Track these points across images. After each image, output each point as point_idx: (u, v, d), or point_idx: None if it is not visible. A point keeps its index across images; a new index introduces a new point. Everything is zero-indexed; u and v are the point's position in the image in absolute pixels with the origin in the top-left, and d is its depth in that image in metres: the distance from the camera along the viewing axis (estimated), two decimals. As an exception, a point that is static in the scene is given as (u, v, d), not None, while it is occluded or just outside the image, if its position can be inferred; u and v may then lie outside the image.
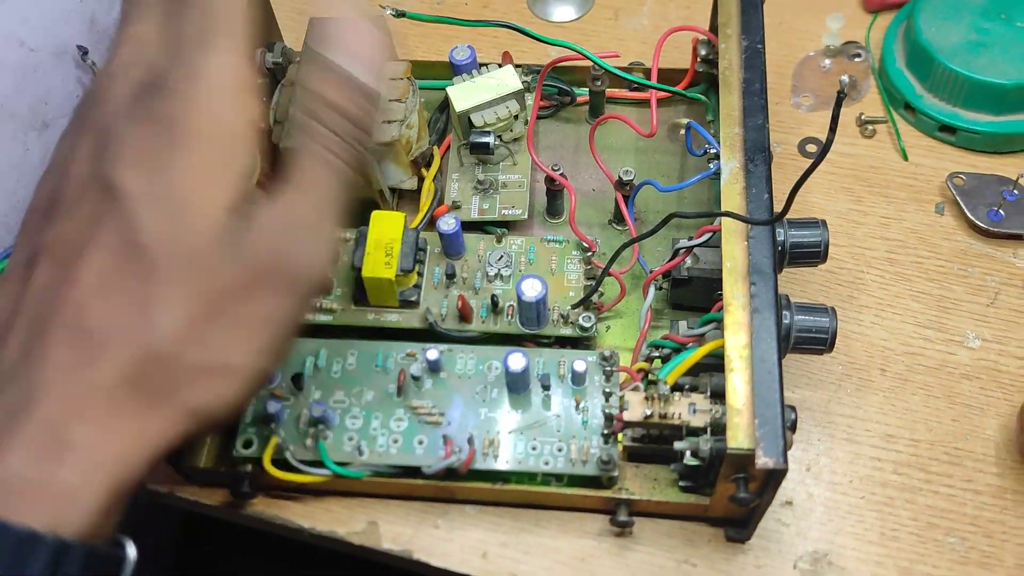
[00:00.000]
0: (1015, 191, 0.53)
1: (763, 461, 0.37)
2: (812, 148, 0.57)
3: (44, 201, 0.35)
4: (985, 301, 0.51)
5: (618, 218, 0.54)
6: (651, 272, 0.48)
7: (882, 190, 0.56)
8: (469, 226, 0.53)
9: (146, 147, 0.33)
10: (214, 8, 0.35)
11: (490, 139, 0.53)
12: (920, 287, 0.52)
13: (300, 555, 0.74)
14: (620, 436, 0.45)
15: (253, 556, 0.86)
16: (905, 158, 0.57)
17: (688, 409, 0.42)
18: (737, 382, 0.39)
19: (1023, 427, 0.45)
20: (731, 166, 0.44)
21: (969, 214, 0.53)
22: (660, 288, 0.50)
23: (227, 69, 0.34)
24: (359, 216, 0.50)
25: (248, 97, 0.35)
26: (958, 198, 0.53)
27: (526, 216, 0.53)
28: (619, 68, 0.55)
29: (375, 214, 0.50)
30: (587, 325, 0.49)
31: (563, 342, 0.50)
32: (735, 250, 0.42)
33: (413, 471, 0.46)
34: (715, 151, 0.46)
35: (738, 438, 0.38)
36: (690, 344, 0.45)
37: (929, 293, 0.52)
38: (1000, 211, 0.53)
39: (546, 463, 0.45)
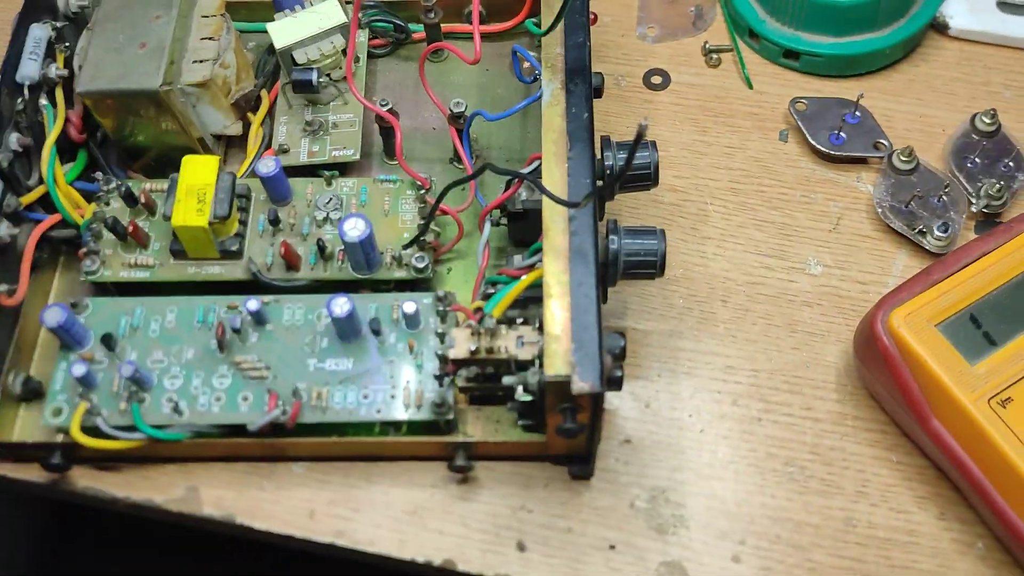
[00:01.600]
0: (856, 113, 0.53)
1: (580, 386, 0.36)
2: (657, 80, 0.56)
3: None
4: (827, 227, 0.51)
5: (458, 156, 0.51)
6: (486, 206, 0.46)
7: (727, 119, 0.54)
8: (301, 170, 0.51)
9: None
10: None
11: (313, 76, 0.50)
12: (763, 216, 0.51)
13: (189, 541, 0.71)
14: (456, 378, 0.43)
15: (136, 547, 0.82)
16: (750, 86, 0.56)
17: (516, 342, 0.40)
18: (555, 308, 0.37)
19: (859, 349, 0.44)
20: (552, 87, 0.42)
21: (811, 139, 0.52)
22: (498, 224, 0.48)
23: None
24: (179, 167, 0.47)
25: None
26: (800, 123, 0.53)
27: (358, 157, 0.50)
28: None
29: (186, 159, 0.46)
30: (420, 266, 0.46)
31: (403, 286, 0.47)
32: (555, 175, 0.40)
33: (238, 430, 0.43)
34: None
35: (556, 365, 0.36)
36: (522, 276, 0.43)
37: (772, 221, 0.51)
38: (841, 134, 0.52)
39: (379, 411, 0.43)
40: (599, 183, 0.42)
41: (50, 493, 0.45)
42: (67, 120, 0.49)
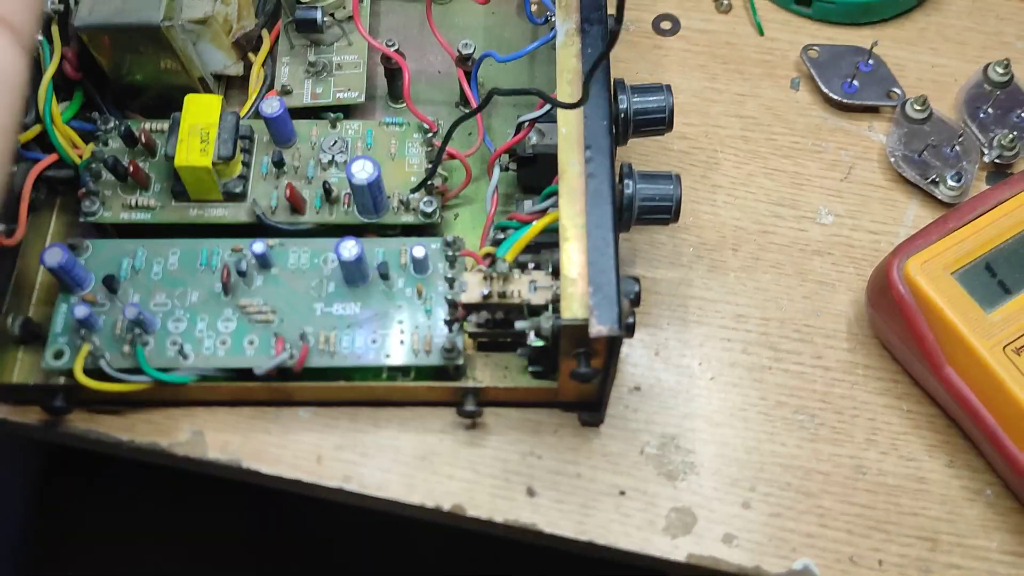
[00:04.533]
0: (870, 61, 0.52)
1: (598, 329, 0.35)
2: (667, 25, 0.55)
3: None
4: (839, 176, 0.50)
5: (465, 99, 0.50)
6: (495, 151, 0.45)
7: (737, 66, 0.54)
8: (304, 112, 0.49)
9: None
10: None
11: (318, 15, 0.48)
12: (774, 164, 0.50)
13: (192, 486, 0.71)
14: (466, 324, 0.42)
15: (133, 487, 0.82)
16: (761, 33, 0.55)
17: (529, 287, 0.39)
18: (572, 252, 0.37)
19: (873, 297, 0.44)
20: (566, 27, 0.41)
21: (823, 87, 0.51)
22: (507, 169, 0.47)
23: None
24: (179, 107, 0.46)
25: None
26: (812, 71, 0.52)
27: (363, 99, 0.49)
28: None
29: (188, 97, 0.45)
30: (429, 210, 0.45)
31: (409, 231, 0.47)
32: (569, 116, 0.39)
33: (244, 374, 0.42)
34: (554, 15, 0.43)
35: (572, 308, 0.36)
36: (534, 220, 0.42)
37: (783, 170, 0.50)
38: (854, 82, 0.51)
39: (387, 356, 0.42)
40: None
41: (51, 437, 0.44)
42: (63, 57, 0.47)
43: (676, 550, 0.41)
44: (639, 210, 0.41)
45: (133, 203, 0.46)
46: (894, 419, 0.44)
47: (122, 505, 0.84)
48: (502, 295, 0.40)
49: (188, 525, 0.84)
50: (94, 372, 0.41)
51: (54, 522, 0.83)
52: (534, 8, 0.49)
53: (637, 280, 0.39)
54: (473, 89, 0.48)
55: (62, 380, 0.43)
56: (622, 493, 0.42)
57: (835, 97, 0.51)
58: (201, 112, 0.45)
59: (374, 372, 0.43)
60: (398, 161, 0.47)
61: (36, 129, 0.46)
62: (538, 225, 0.40)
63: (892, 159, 0.49)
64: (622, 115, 0.42)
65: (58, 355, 0.42)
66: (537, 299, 0.39)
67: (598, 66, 0.33)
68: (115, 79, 0.48)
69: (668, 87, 0.43)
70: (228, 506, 0.81)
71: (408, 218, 0.46)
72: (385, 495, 0.42)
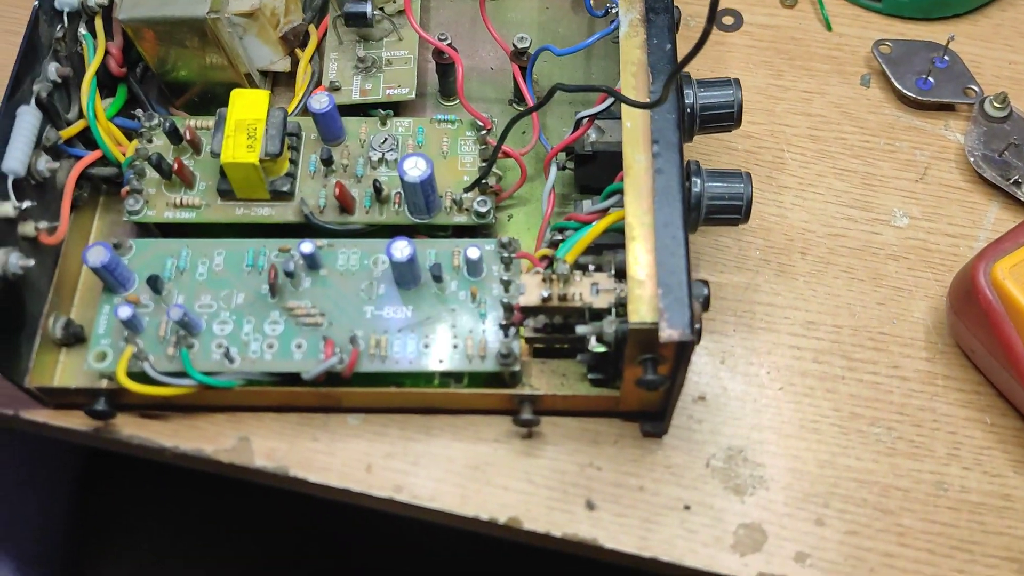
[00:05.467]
0: (945, 57, 0.49)
1: (668, 334, 0.33)
2: (729, 20, 0.53)
3: None
4: (914, 177, 0.48)
5: (519, 96, 0.49)
6: (551, 149, 0.43)
7: (804, 63, 0.51)
8: (352, 110, 0.48)
9: None
10: None
11: (368, 8, 0.47)
12: (844, 164, 0.48)
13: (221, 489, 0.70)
14: (522, 329, 0.40)
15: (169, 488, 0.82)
16: (829, 28, 0.53)
17: (591, 290, 0.37)
18: (639, 251, 0.35)
19: (956, 303, 0.42)
20: (630, 17, 0.39)
21: (897, 84, 0.49)
22: (563, 168, 0.45)
23: None
24: (224, 103, 0.44)
25: None
26: (885, 67, 0.49)
27: (414, 95, 0.48)
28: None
29: (235, 92, 0.44)
30: (483, 210, 0.44)
31: (461, 233, 0.45)
32: (635, 110, 0.37)
33: (292, 378, 0.41)
34: (616, 8, 0.41)
35: (640, 311, 0.34)
36: (594, 221, 0.40)
37: (854, 171, 0.48)
38: (929, 79, 0.49)
39: (440, 361, 0.40)
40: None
41: (93, 442, 0.43)
42: (107, 52, 0.46)
43: (745, 568, 0.39)
44: (707, 209, 0.39)
45: (178, 202, 0.44)
46: (977, 433, 0.41)
47: (160, 505, 0.84)
48: (562, 298, 0.38)
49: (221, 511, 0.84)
50: (138, 375, 0.40)
51: (95, 522, 0.82)
52: (593, 0, 0.47)
53: (706, 283, 0.37)
54: (528, 85, 0.46)
55: (105, 383, 0.42)
56: (687, 508, 0.40)
57: (909, 94, 0.49)
58: (248, 108, 0.43)
59: (426, 378, 0.42)
60: (450, 160, 0.45)
61: (79, 125, 0.45)
62: (601, 224, 0.38)
63: (971, 159, 0.46)
64: (688, 110, 0.40)
65: (101, 357, 0.41)
66: (599, 302, 0.37)
67: (683, 67, 0.31)
68: (160, 75, 0.47)
69: (736, 81, 0.41)
70: (261, 508, 0.81)
71: (461, 218, 0.44)
72: (437, 506, 0.40)
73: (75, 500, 0.81)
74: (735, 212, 0.39)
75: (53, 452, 0.77)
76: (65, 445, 0.49)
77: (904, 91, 0.49)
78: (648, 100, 0.37)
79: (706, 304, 0.36)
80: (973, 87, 0.49)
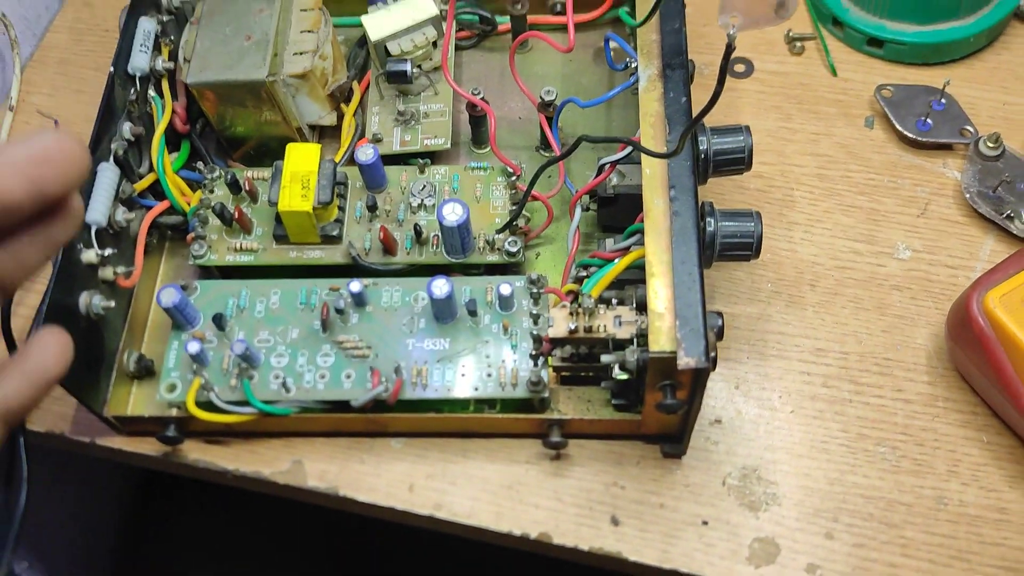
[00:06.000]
0: (942, 100, 0.53)
1: (685, 361, 0.36)
2: (740, 68, 0.56)
3: None
4: (915, 212, 0.51)
5: (545, 144, 0.53)
6: (576, 192, 0.47)
7: (812, 106, 0.55)
8: (393, 159, 0.52)
9: None
10: None
11: (407, 67, 0.51)
12: (850, 201, 0.52)
13: (270, 509, 0.73)
14: (550, 359, 0.44)
15: (221, 509, 0.86)
16: (834, 73, 0.56)
17: (614, 322, 0.41)
18: (658, 287, 0.38)
19: (953, 330, 0.45)
20: (648, 73, 0.43)
21: (898, 125, 0.52)
22: (588, 209, 0.49)
23: None
24: (277, 155, 0.49)
25: None
26: (886, 110, 0.53)
27: (449, 145, 0.52)
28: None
29: (290, 146, 0.48)
30: (513, 250, 0.48)
31: (493, 270, 0.49)
32: (654, 159, 0.41)
33: (341, 406, 0.45)
34: (635, 63, 0.45)
35: (660, 341, 0.37)
36: (616, 258, 0.44)
37: (859, 207, 0.51)
38: (928, 121, 0.52)
39: (476, 389, 0.44)
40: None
41: (162, 466, 0.47)
42: (173, 111, 0.51)
43: (760, 580, 0.42)
44: (721, 247, 0.42)
45: (237, 246, 0.49)
46: (974, 450, 0.44)
47: (209, 521, 0.88)
48: (588, 330, 0.41)
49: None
50: (204, 404, 0.44)
51: (148, 540, 0.86)
52: (613, 54, 0.51)
53: (720, 315, 0.40)
54: (554, 134, 0.50)
55: (175, 412, 0.46)
56: (705, 523, 0.43)
57: (909, 135, 0.52)
58: (302, 160, 0.48)
59: (462, 404, 0.45)
60: (483, 203, 0.49)
61: (150, 178, 0.49)
62: (623, 262, 0.42)
63: (967, 195, 0.50)
64: (702, 156, 0.44)
65: (171, 388, 0.45)
66: (622, 333, 0.41)
67: (697, 122, 0.34)
68: (219, 130, 0.52)
69: (747, 128, 0.44)
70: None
71: (493, 257, 0.48)
72: (474, 523, 0.44)
73: (120, 523, 0.85)
74: (746, 249, 0.43)
75: (100, 475, 0.81)
76: (110, 468, 0.53)
77: (905, 132, 0.52)
78: (666, 150, 0.41)
79: (720, 334, 0.40)
80: (969, 128, 0.52)
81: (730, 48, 0.32)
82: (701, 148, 0.44)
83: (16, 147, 0.28)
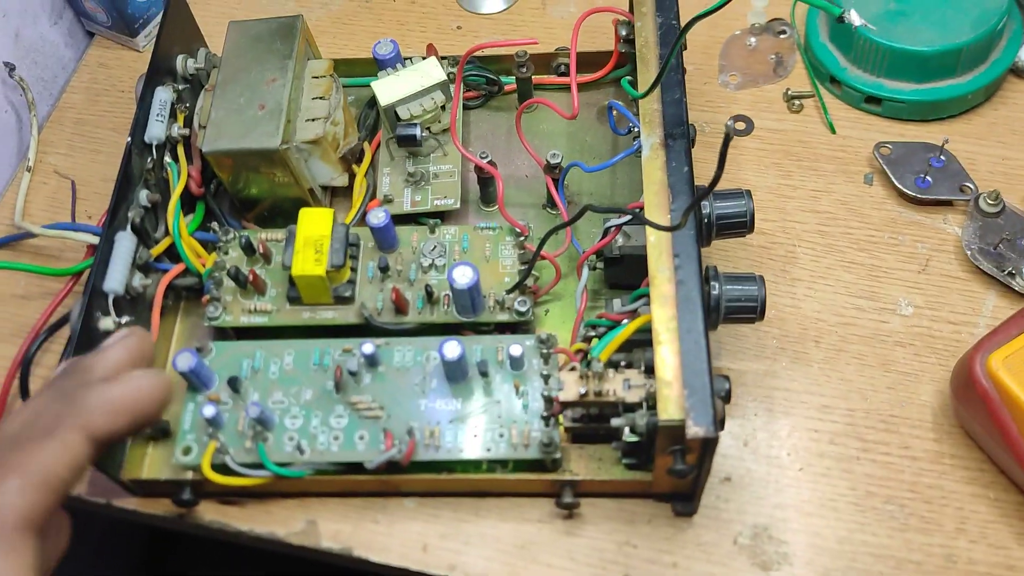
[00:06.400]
0: (941, 157, 0.54)
1: (694, 431, 0.37)
2: (741, 125, 0.58)
3: None
4: (916, 268, 0.52)
5: (551, 202, 0.54)
6: (583, 253, 0.48)
7: (811, 163, 0.56)
8: (403, 219, 0.53)
9: None
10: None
11: (417, 131, 0.52)
12: (851, 257, 0.52)
13: (278, 563, 0.74)
14: (561, 418, 0.45)
15: (227, 564, 0.86)
16: (833, 131, 0.57)
17: (623, 385, 0.42)
18: (665, 354, 0.39)
19: (957, 390, 0.45)
20: (651, 142, 0.44)
21: (897, 183, 0.53)
22: (595, 268, 0.50)
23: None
24: (290, 216, 0.50)
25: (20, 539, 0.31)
26: (885, 167, 0.54)
27: (458, 205, 0.53)
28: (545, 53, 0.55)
29: (303, 211, 0.49)
30: (523, 309, 0.48)
31: (502, 328, 0.50)
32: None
33: (355, 467, 0.45)
34: (638, 128, 0.46)
35: (669, 410, 0.38)
36: (624, 321, 0.45)
37: (861, 263, 0.52)
38: (927, 178, 0.53)
39: (488, 449, 0.45)
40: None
41: (177, 526, 0.48)
42: (188, 175, 0.52)
43: (772, 639, 0.43)
44: (726, 310, 0.43)
45: (252, 308, 0.50)
46: (982, 508, 0.45)
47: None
48: (598, 394, 0.42)
49: None
50: (220, 467, 0.45)
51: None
52: (616, 120, 0.52)
53: (727, 378, 0.41)
54: (560, 195, 0.51)
55: (190, 475, 0.46)
56: (717, 582, 0.44)
57: (909, 193, 0.53)
58: (315, 224, 0.49)
59: (475, 465, 0.46)
60: (492, 263, 0.50)
61: (166, 242, 0.50)
62: (630, 327, 0.43)
63: (968, 252, 0.51)
64: (705, 220, 0.45)
65: (187, 451, 0.46)
66: (631, 397, 0.42)
67: (699, 201, 0.36)
68: (233, 193, 0.53)
69: (748, 192, 0.45)
70: None
71: (503, 316, 0.49)
72: (488, 583, 0.44)
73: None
74: (751, 312, 0.44)
75: (117, 530, 0.81)
76: (127, 524, 0.53)
77: (904, 189, 0.53)
78: (670, 219, 0.42)
79: (728, 397, 0.41)
80: (968, 184, 0.53)
81: (728, 138, 0.33)
82: (704, 212, 0.45)
83: (116, 387, 0.35)
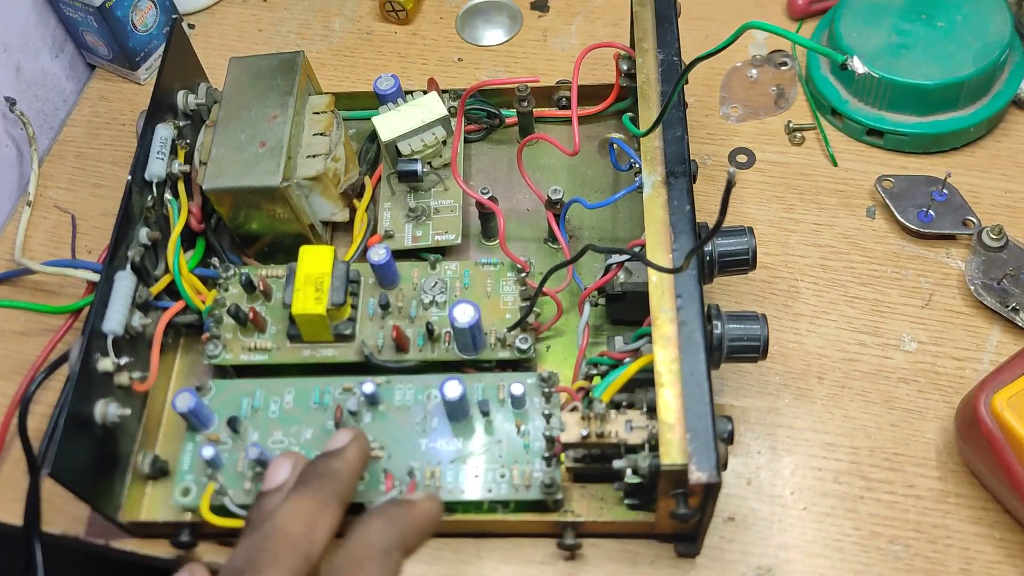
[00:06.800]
0: (944, 191, 0.54)
1: (697, 476, 0.37)
2: (742, 158, 0.57)
3: None
4: (920, 303, 0.52)
5: (552, 236, 0.54)
6: (585, 289, 0.48)
7: (813, 197, 0.56)
8: (404, 254, 0.53)
9: None
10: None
11: (418, 167, 0.52)
12: (854, 292, 0.52)
13: None
14: (563, 456, 0.45)
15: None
16: (835, 164, 0.57)
17: (625, 427, 0.42)
18: (668, 397, 0.39)
19: (962, 429, 0.45)
20: (653, 179, 0.44)
21: (899, 216, 0.53)
22: (596, 304, 0.50)
23: None
24: (291, 251, 0.50)
25: None
26: (888, 201, 0.54)
27: (459, 241, 0.53)
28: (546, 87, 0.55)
29: (303, 249, 0.49)
30: (524, 347, 0.48)
31: (504, 365, 0.49)
32: (661, 264, 0.42)
33: (356, 508, 0.45)
34: (638, 164, 0.46)
35: (671, 454, 0.38)
36: (626, 359, 0.45)
37: (863, 298, 0.52)
38: (930, 212, 0.53)
39: (489, 490, 0.44)
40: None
41: (175, 566, 0.47)
42: (189, 212, 0.52)
43: None
44: (728, 350, 0.43)
45: (252, 346, 0.49)
46: (987, 547, 0.44)
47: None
48: (600, 435, 0.42)
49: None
50: (218, 509, 0.44)
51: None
52: (618, 157, 0.52)
53: (730, 418, 0.41)
54: (562, 230, 0.51)
55: (188, 516, 0.46)
56: (721, 625, 0.43)
57: (911, 227, 0.53)
58: (315, 263, 0.49)
59: (476, 505, 0.46)
60: (493, 299, 0.50)
61: (166, 280, 0.50)
62: (632, 368, 0.43)
63: (972, 287, 0.50)
64: (707, 257, 0.45)
65: (186, 492, 0.46)
66: (634, 438, 0.42)
67: (701, 246, 0.35)
68: (233, 228, 0.53)
69: (750, 229, 0.45)
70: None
71: (504, 353, 0.49)
72: (491, 626, 0.44)
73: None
74: (754, 352, 0.43)
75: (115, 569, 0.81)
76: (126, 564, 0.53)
77: (907, 223, 0.53)
78: (671, 259, 0.42)
79: (730, 439, 0.40)
80: (971, 218, 0.53)
81: (730, 184, 0.33)
82: (706, 250, 0.45)
83: (344, 455, 0.39)
